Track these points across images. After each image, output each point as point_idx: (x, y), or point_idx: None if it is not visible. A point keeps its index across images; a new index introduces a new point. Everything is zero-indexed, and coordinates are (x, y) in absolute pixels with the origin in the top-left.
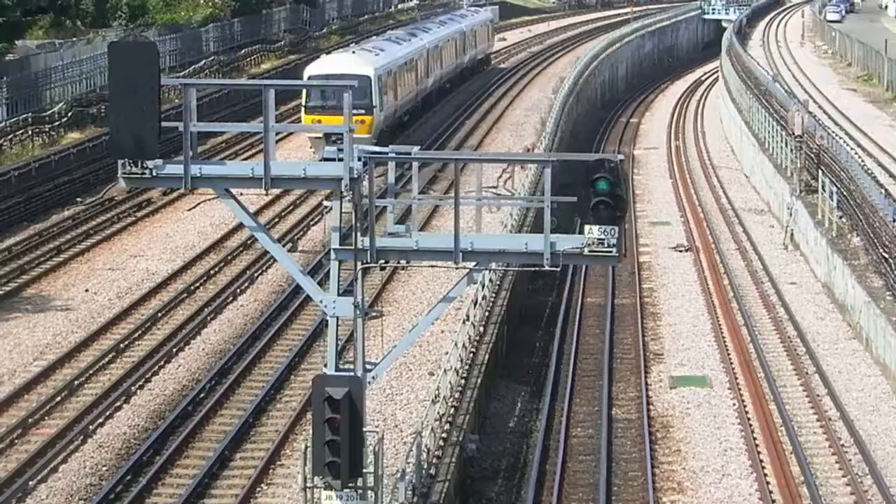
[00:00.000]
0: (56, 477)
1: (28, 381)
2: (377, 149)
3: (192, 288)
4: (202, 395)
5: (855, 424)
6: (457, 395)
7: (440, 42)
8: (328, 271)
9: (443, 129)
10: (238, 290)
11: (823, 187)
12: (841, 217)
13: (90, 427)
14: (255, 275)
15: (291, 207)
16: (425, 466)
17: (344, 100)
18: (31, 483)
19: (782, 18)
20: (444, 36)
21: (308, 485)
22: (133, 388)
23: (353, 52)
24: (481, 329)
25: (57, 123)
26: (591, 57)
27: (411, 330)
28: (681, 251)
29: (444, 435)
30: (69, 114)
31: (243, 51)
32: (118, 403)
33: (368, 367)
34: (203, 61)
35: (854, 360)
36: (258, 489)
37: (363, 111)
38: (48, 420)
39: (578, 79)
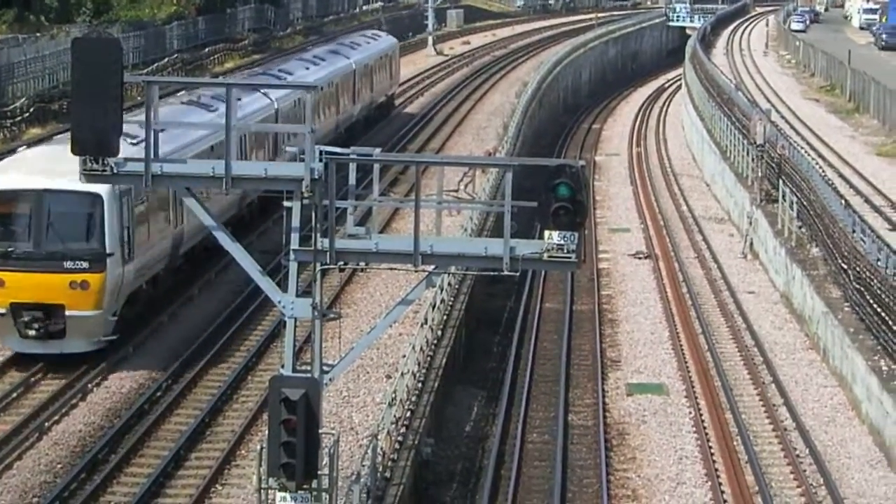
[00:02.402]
0: (10, 474)
1: None
2: (339, 150)
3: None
4: (158, 394)
5: (810, 434)
6: (413, 399)
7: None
8: (287, 272)
9: (405, 132)
10: (196, 290)
11: (784, 197)
12: (801, 227)
13: (46, 424)
14: (214, 275)
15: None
16: (380, 469)
17: (307, 100)
18: None
19: (747, 27)
20: (320, 80)
21: (263, 486)
22: (89, 385)
23: None
24: (439, 333)
25: (19, 119)
26: (554, 62)
27: (369, 332)
28: (640, 258)
29: (399, 438)
30: (31, 109)
31: (207, 49)
32: (74, 401)
33: (326, 368)
34: (166, 59)
35: (811, 370)
36: (213, 489)
37: (86, 264)
38: (3, 416)
39: (541, 84)
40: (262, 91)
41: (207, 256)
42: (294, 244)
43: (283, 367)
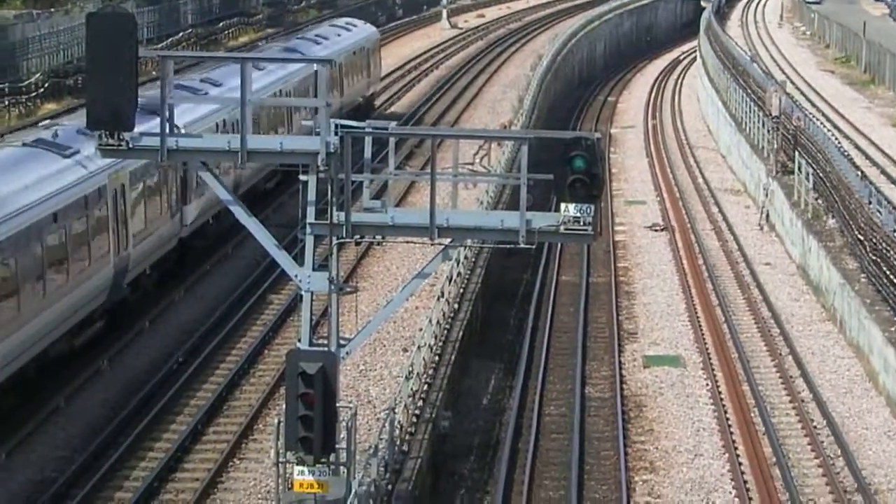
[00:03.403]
0: (28, 450)
1: None
2: (354, 123)
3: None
4: (175, 370)
5: (827, 406)
6: (430, 372)
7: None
8: (303, 246)
9: (420, 105)
10: (212, 265)
11: (800, 168)
12: (817, 198)
13: (62, 401)
14: (230, 249)
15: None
16: (398, 443)
17: (320, 73)
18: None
19: None
20: (263, 89)
21: (280, 460)
22: (105, 361)
23: None
24: (456, 306)
25: (34, 94)
26: (569, 35)
27: (386, 306)
28: (656, 230)
29: (417, 411)
30: (46, 84)
31: (221, 24)
32: (90, 377)
33: (342, 342)
34: (181, 34)
35: (828, 341)
36: (230, 463)
37: None
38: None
39: (556, 56)
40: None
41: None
42: (310, 218)
43: (299, 341)
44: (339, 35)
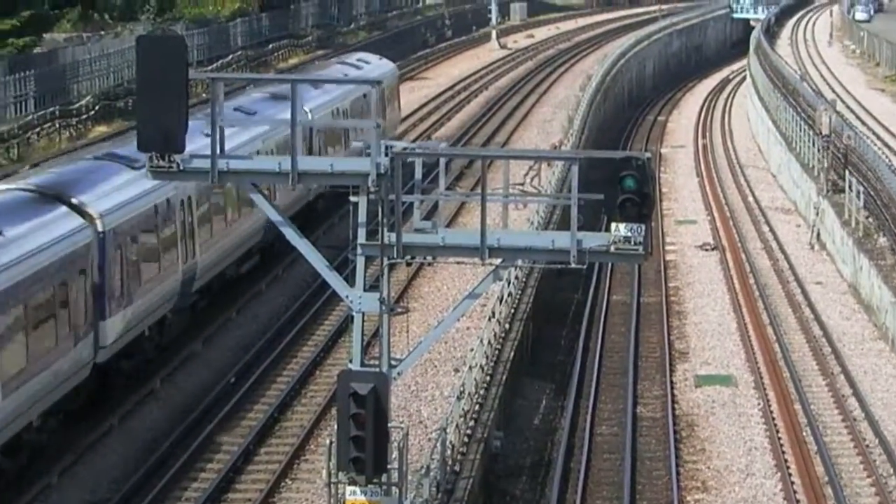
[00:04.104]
0: (82, 470)
1: None
2: (404, 144)
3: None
4: (228, 390)
5: (880, 425)
6: (482, 392)
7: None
8: (354, 267)
9: (470, 125)
10: (264, 285)
11: (850, 187)
12: (867, 217)
13: (115, 421)
14: (281, 270)
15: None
16: (450, 463)
17: (371, 95)
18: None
19: (811, 18)
20: None
21: (332, 480)
22: (159, 382)
23: None
24: (507, 326)
25: (84, 117)
26: (618, 55)
27: (437, 326)
28: (707, 250)
29: (468, 431)
30: (96, 107)
31: (271, 45)
32: (143, 397)
33: (394, 363)
34: (231, 56)
35: (880, 360)
36: (282, 484)
37: None
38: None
39: (606, 76)
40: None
41: None
42: (361, 239)
43: (351, 361)
44: (345, 75)
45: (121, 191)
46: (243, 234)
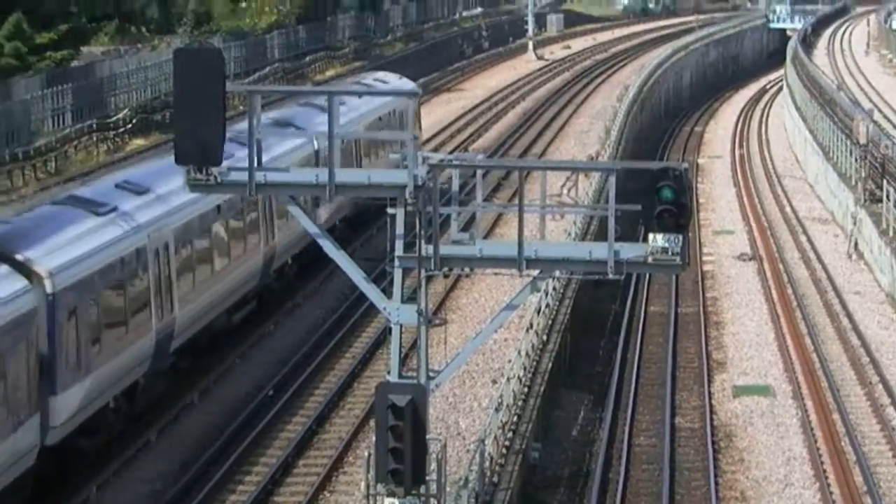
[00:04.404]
0: (119, 483)
1: None
2: (442, 156)
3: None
4: (266, 402)
5: None
6: (520, 404)
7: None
8: (392, 279)
9: (507, 136)
10: (301, 298)
11: (888, 196)
12: None
13: (153, 435)
14: (319, 283)
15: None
16: (488, 474)
17: (409, 106)
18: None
19: (847, 27)
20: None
21: (371, 492)
22: (195, 395)
23: None
24: (544, 337)
25: (122, 130)
26: (655, 65)
27: (475, 338)
28: (744, 260)
29: (506, 443)
30: (134, 120)
31: (308, 58)
32: (180, 412)
33: (432, 374)
34: (268, 68)
35: None
36: (321, 496)
37: None
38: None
39: (643, 87)
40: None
41: None
42: (398, 251)
43: (389, 373)
44: (358, 97)
45: (79, 242)
46: (235, 281)
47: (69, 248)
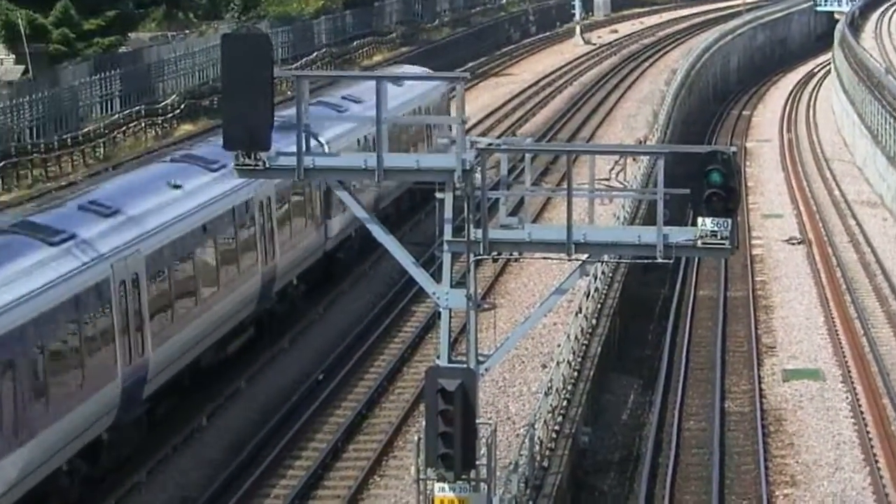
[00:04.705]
0: (170, 469)
1: None
2: (490, 140)
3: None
4: (315, 387)
5: None
6: (569, 388)
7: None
8: (440, 263)
9: (555, 121)
10: (351, 283)
11: None
12: None
13: (204, 419)
14: (368, 267)
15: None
16: (538, 459)
17: (457, 90)
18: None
19: None
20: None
21: (421, 476)
22: (244, 381)
23: None
24: (594, 321)
25: (170, 115)
26: (702, 49)
27: (524, 322)
28: (793, 244)
29: (556, 427)
30: (182, 106)
31: (355, 43)
32: (231, 396)
33: (481, 359)
34: (315, 53)
35: None
36: (371, 481)
37: None
38: (161, 412)
39: (690, 71)
40: None
41: None
42: (447, 235)
43: (438, 357)
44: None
45: (23, 280)
46: (226, 310)
47: (12, 286)
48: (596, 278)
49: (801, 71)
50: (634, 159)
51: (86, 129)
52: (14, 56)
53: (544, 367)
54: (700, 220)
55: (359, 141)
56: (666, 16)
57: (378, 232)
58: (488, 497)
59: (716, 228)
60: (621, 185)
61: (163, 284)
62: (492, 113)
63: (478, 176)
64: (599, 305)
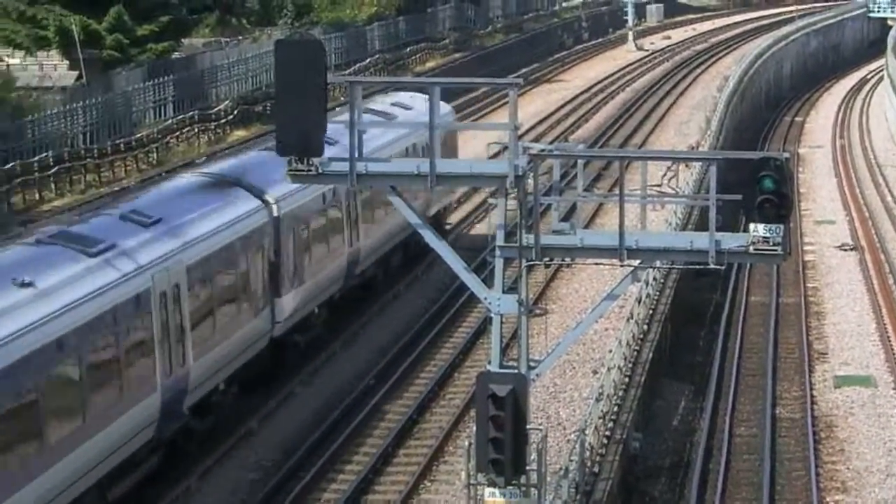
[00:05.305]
0: (221, 472)
1: None
2: (542, 146)
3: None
4: (365, 392)
5: None
6: (620, 394)
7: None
8: (492, 269)
9: (607, 127)
10: (402, 288)
11: None
12: None
13: (255, 422)
14: (420, 272)
15: (455, 205)
16: (589, 464)
17: (510, 96)
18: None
19: None
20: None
21: (471, 482)
22: (297, 384)
23: None
24: (645, 327)
25: (223, 121)
26: (755, 55)
27: (575, 328)
28: (846, 250)
29: (607, 433)
30: (235, 111)
31: (408, 49)
32: (282, 399)
33: (532, 364)
34: (368, 59)
35: None
36: (421, 486)
37: None
38: (213, 416)
39: (743, 77)
40: None
41: None
42: (499, 241)
43: (489, 363)
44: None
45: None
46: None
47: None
48: (647, 284)
49: (855, 77)
50: (687, 165)
51: (139, 135)
52: (68, 62)
53: (595, 372)
54: (752, 226)
55: None
56: (718, 22)
57: (431, 238)
58: (539, 502)
59: (768, 234)
60: (673, 191)
61: (126, 334)
62: (544, 119)
63: (530, 181)
64: (651, 311)
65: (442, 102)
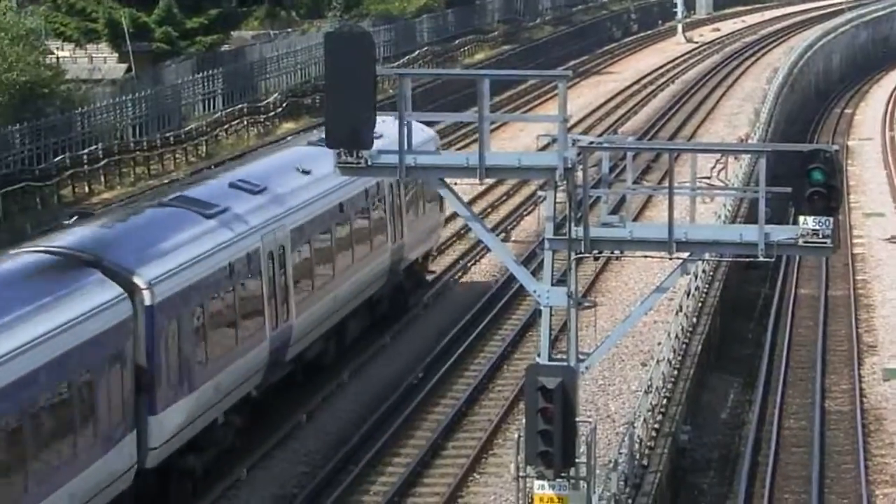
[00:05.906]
0: (271, 464)
1: None
2: (591, 138)
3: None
4: (415, 385)
5: None
6: (669, 386)
7: None
8: (542, 261)
9: (657, 119)
10: (451, 280)
11: None
12: None
13: (304, 415)
14: (469, 264)
15: (504, 197)
16: (638, 457)
17: (559, 89)
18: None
19: None
20: None
21: (521, 474)
22: (346, 376)
23: None
24: (694, 320)
25: (272, 114)
26: (805, 47)
27: (624, 320)
28: (895, 242)
29: (656, 426)
30: (284, 104)
31: (457, 41)
32: (331, 391)
33: (581, 357)
34: (417, 51)
35: None
36: (470, 478)
37: None
38: (263, 407)
39: (793, 69)
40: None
41: None
42: (549, 233)
43: (539, 355)
44: (305, 174)
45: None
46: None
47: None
48: (696, 277)
49: None
50: (736, 158)
51: (188, 128)
52: (117, 55)
53: (644, 365)
54: (801, 218)
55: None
56: (768, 14)
57: (480, 230)
58: (588, 495)
59: (817, 227)
60: (722, 184)
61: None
62: (593, 111)
63: (579, 174)
64: (700, 304)
65: (424, 127)
